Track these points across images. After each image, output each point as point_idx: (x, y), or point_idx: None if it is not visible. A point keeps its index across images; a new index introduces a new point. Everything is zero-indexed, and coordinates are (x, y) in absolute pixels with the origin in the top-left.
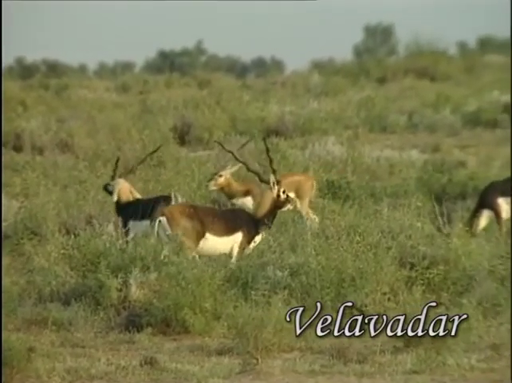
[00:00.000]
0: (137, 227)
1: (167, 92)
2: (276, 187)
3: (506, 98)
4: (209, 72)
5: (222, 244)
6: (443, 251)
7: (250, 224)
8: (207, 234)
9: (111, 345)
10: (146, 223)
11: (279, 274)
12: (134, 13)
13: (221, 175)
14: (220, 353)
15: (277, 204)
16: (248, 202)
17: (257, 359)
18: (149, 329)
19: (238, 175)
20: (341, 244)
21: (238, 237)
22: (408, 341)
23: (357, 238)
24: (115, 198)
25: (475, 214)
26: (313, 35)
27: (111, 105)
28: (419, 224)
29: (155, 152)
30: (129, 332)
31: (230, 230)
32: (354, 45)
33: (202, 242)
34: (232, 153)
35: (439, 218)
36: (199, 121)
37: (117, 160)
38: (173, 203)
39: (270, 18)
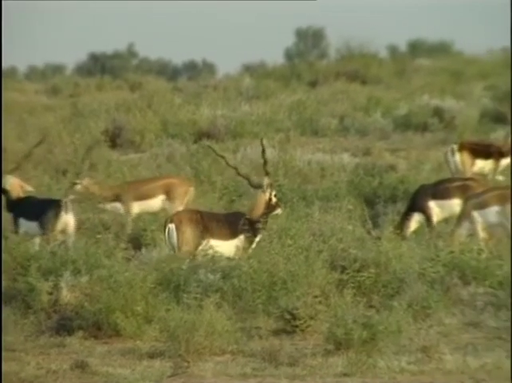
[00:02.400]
0: (26, 226)
1: (98, 95)
2: (268, 190)
3: (435, 102)
4: (140, 75)
5: (225, 248)
6: (374, 254)
7: (250, 227)
8: (211, 240)
9: (41, 349)
10: (35, 224)
11: (211, 277)
12: (64, 15)
13: (75, 183)
14: (152, 356)
15: (269, 208)
16: (116, 208)
17: (189, 362)
18: (80, 333)
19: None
20: (273, 247)
21: (241, 240)
22: (339, 344)
23: (289, 241)
24: (7, 192)
25: (406, 217)
26: (245, 38)
27: (41, 108)
28: (350, 227)
29: (38, 145)
30: (60, 335)
31: (233, 234)
32: (285, 49)
33: (206, 247)
34: (223, 158)
35: (368, 221)
36: (131, 124)
37: None
38: (63, 210)
39: (201, 21)
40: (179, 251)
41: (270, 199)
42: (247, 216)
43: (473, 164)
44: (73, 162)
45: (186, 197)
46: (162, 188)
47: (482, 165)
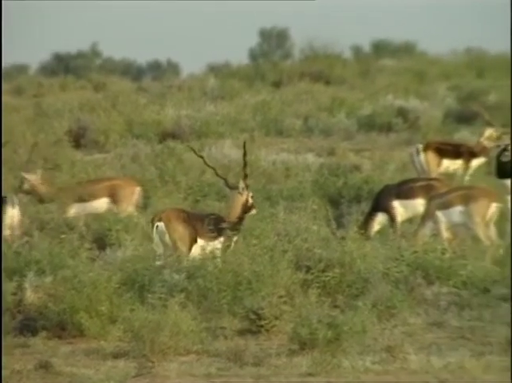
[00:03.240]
0: None
1: (62, 95)
2: (245, 191)
3: (399, 102)
4: (104, 75)
5: (208, 248)
6: (339, 254)
7: (224, 228)
8: (198, 239)
9: (5, 349)
10: None
11: (176, 277)
12: (27, 14)
13: (22, 182)
14: (116, 356)
15: (245, 209)
16: (55, 208)
17: (154, 362)
18: (44, 333)
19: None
20: (238, 247)
21: (221, 241)
22: (304, 344)
23: (254, 241)
24: None
25: (370, 217)
26: (209, 38)
27: (5, 108)
28: (314, 227)
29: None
30: (24, 336)
31: (215, 235)
32: (249, 49)
33: (193, 247)
34: (202, 158)
35: (333, 221)
36: (95, 124)
37: None
38: (9, 205)
39: (165, 20)
40: (175, 250)
41: (247, 201)
42: (214, 216)
43: (439, 164)
44: (35, 161)
45: (133, 198)
46: (105, 190)
47: (448, 165)
